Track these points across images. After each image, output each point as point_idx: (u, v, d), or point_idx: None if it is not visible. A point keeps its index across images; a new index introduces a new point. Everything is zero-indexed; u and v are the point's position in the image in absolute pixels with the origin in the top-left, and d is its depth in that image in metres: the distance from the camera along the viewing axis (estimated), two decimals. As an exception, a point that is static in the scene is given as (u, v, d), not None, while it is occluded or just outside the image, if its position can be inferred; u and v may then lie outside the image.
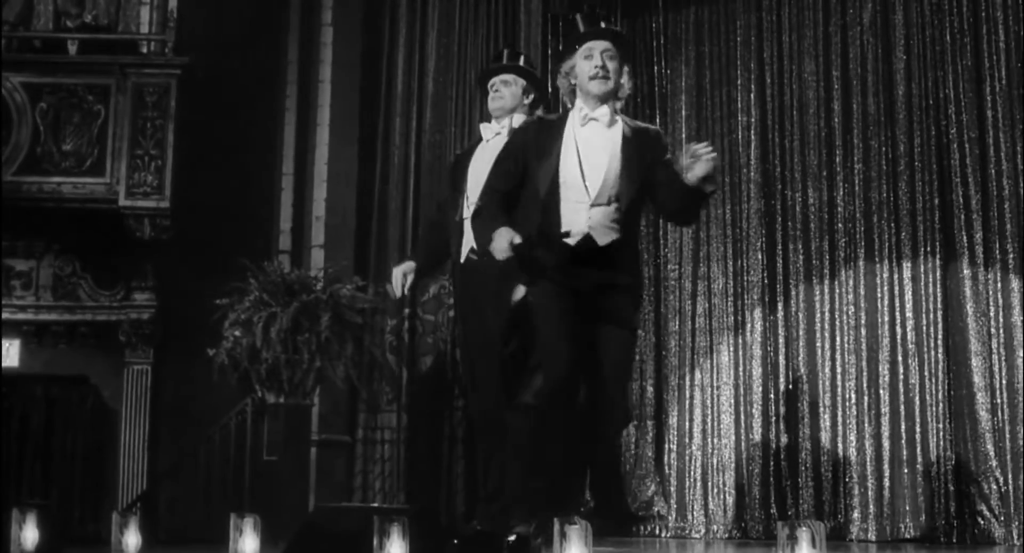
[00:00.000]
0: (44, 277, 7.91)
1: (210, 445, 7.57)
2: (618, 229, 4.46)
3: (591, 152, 4.49)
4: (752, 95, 7.88)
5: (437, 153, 8.12)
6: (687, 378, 7.82)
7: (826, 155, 7.59)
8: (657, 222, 7.89)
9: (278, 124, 8.45)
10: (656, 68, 8.31)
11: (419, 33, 8.42)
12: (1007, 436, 6.87)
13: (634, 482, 7.81)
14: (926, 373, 7.15)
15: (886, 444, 7.16)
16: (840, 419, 7.30)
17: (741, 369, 7.59)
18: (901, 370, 7.17)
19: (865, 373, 7.27)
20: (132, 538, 4.61)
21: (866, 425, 7.19)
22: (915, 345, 7.21)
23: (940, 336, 7.15)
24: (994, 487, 6.84)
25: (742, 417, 7.56)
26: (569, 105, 4.71)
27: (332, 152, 8.33)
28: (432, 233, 5.50)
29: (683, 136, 8.09)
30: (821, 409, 7.36)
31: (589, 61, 4.63)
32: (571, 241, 4.43)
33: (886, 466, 7.14)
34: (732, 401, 7.60)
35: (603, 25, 4.74)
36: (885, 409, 7.19)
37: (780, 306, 7.59)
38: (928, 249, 7.25)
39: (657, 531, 7.61)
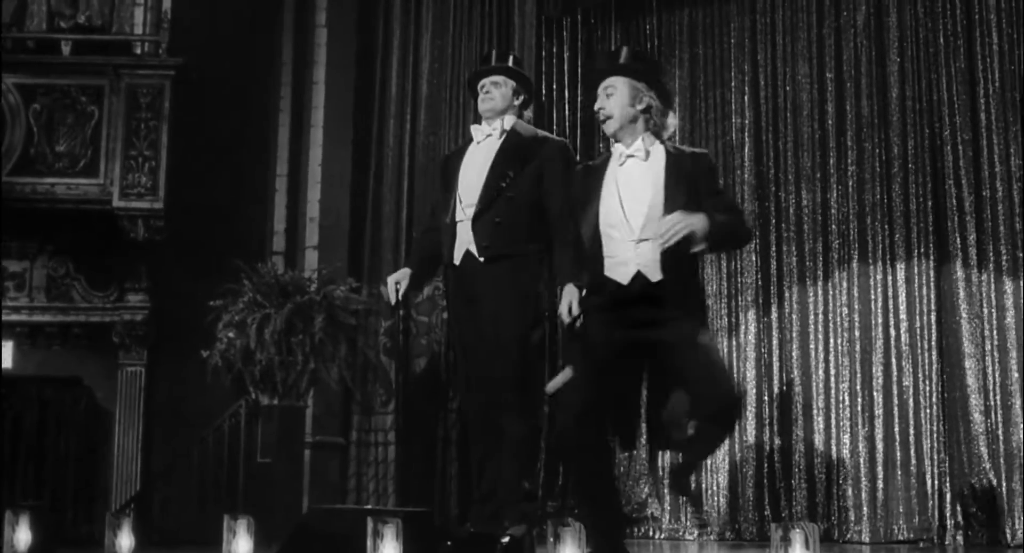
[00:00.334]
0: (37, 278, 7.89)
1: (203, 447, 7.56)
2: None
3: (631, 189, 4.33)
4: (746, 97, 7.89)
5: (431, 155, 8.12)
6: (679, 380, 7.82)
7: (820, 157, 7.60)
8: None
9: (272, 125, 8.45)
10: (650, 70, 8.32)
11: (413, 35, 8.42)
12: (1000, 438, 6.88)
13: (628, 484, 7.82)
14: (920, 375, 7.16)
15: (879, 446, 7.17)
16: (834, 421, 7.31)
17: (735, 371, 7.58)
18: (895, 372, 7.18)
19: (859, 375, 7.27)
20: (125, 539, 4.61)
21: (860, 427, 7.20)
22: (908, 347, 7.22)
23: (933, 338, 7.16)
24: (987, 488, 6.85)
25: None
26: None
27: (326, 153, 8.33)
28: (426, 238, 5.49)
29: (676, 138, 8.08)
30: (815, 411, 7.37)
31: None
32: (624, 280, 4.28)
33: (879, 468, 7.15)
34: (726, 403, 7.60)
35: (623, 59, 4.53)
36: (879, 411, 7.20)
37: (774, 308, 7.60)
38: (921, 251, 7.26)
39: (651, 533, 7.61)
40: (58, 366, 7.87)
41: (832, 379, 7.35)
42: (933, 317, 7.18)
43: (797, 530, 3.26)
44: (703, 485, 7.59)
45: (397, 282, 5.32)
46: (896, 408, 7.15)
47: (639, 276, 4.26)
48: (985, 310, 7.05)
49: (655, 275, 4.24)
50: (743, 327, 7.65)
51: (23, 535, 4.69)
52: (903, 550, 6.81)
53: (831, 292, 7.41)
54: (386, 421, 7.98)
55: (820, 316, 7.46)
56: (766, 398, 7.52)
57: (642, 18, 8.39)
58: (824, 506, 7.23)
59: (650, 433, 4.46)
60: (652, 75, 4.50)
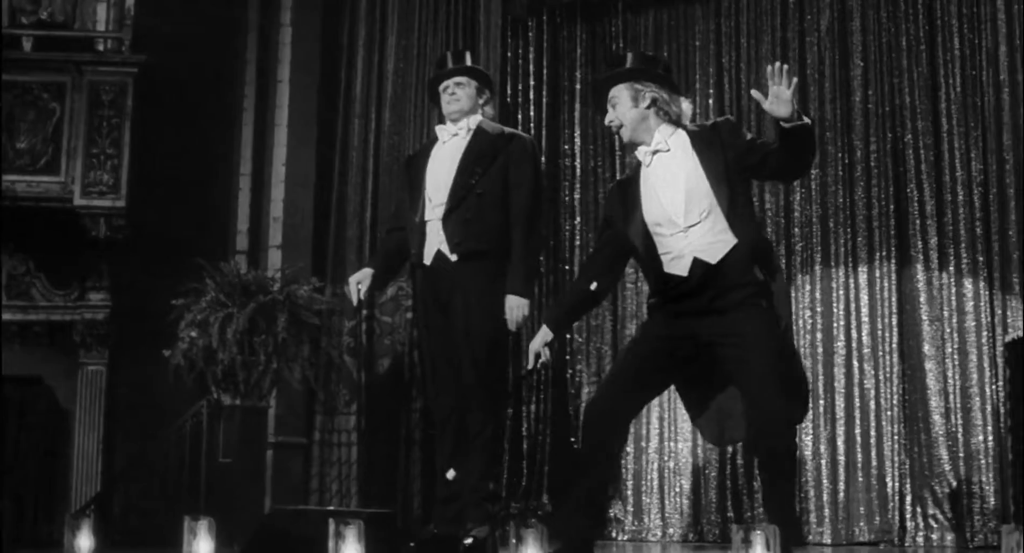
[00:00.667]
0: (-3, 276, 7.82)
1: (165, 447, 7.52)
2: (726, 238, 4.20)
3: (665, 181, 4.30)
4: (710, 100, 7.92)
5: (395, 155, 8.10)
6: (644, 381, 7.84)
7: (783, 160, 7.63)
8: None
9: (236, 124, 8.41)
10: (615, 72, 8.35)
11: (378, 34, 8.40)
12: (960, 440, 6.94)
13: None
14: (881, 377, 7.21)
15: (841, 447, 7.22)
16: (795, 423, 7.33)
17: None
18: (856, 374, 7.23)
19: (820, 377, 7.31)
20: (85, 540, 4.56)
21: (821, 429, 7.24)
22: (870, 349, 7.27)
23: (895, 340, 7.21)
24: (947, 491, 6.91)
25: (699, 420, 7.58)
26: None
27: (290, 153, 8.29)
28: (390, 238, 5.48)
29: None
30: (777, 413, 7.39)
31: None
32: (683, 272, 4.23)
33: (841, 470, 7.19)
34: (689, 404, 7.62)
35: (613, 68, 4.54)
36: (840, 413, 7.24)
37: (737, 310, 7.61)
38: (883, 254, 7.31)
39: (613, 534, 7.62)
40: (18, 365, 7.78)
41: (794, 381, 7.38)
42: (894, 319, 7.23)
43: (758, 532, 3.27)
44: (666, 487, 7.62)
45: (359, 282, 5.31)
46: (857, 410, 7.20)
47: (697, 263, 4.21)
48: (946, 313, 7.10)
49: (713, 257, 4.20)
50: (706, 329, 7.66)
51: (-19, 536, 4.65)
52: (864, 551, 6.86)
53: (794, 294, 7.43)
54: (349, 421, 7.96)
55: (783, 318, 7.49)
56: (729, 400, 7.54)
57: (607, 20, 8.41)
58: (786, 507, 7.25)
59: (703, 428, 4.47)
60: (647, 70, 4.46)
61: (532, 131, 8.21)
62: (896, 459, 7.10)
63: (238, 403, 6.95)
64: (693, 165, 4.29)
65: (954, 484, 6.90)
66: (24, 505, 7.68)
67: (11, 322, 7.76)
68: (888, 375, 7.20)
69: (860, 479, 7.14)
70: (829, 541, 7.08)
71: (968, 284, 7.07)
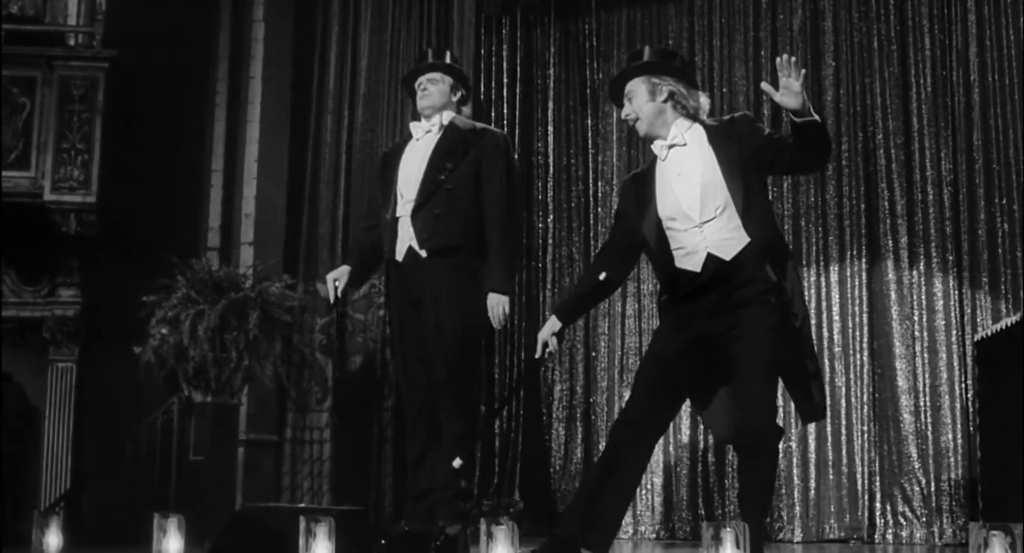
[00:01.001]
0: (-35, 272, 7.75)
1: (135, 444, 7.48)
2: (739, 235, 4.17)
3: (681, 176, 4.26)
4: (684, 98, 7.93)
5: (368, 152, 8.09)
6: (616, 379, 7.87)
7: (755, 159, 7.66)
8: (576, 226, 7.94)
9: (208, 120, 8.37)
10: (588, 70, 8.38)
11: (351, 31, 8.38)
12: (930, 438, 6.99)
13: (563, 483, 7.84)
14: (851, 376, 7.25)
15: (812, 445, 7.25)
16: (767, 420, 7.36)
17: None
18: (827, 372, 7.26)
19: (792, 375, 7.33)
20: (53, 538, 4.54)
21: (792, 427, 7.26)
22: (841, 348, 7.31)
23: (865, 338, 7.25)
24: (916, 489, 6.95)
25: (670, 418, 7.60)
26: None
27: (262, 149, 8.26)
28: (366, 236, 5.47)
29: (615, 137, 8.15)
30: (748, 411, 7.42)
31: None
32: (696, 268, 4.20)
33: (812, 468, 7.23)
34: (661, 402, 7.64)
35: (629, 62, 4.48)
36: (811, 411, 7.26)
37: (709, 308, 7.64)
38: (854, 253, 7.35)
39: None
40: (-14, 361, 7.74)
41: (765, 379, 7.40)
42: (865, 318, 7.27)
43: (728, 529, 3.27)
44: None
45: (336, 280, 5.29)
46: (828, 408, 7.23)
47: (711, 259, 4.18)
48: (916, 311, 7.15)
49: (728, 253, 4.17)
50: (678, 327, 7.68)
51: (-52, 533, 4.61)
52: (834, 549, 6.90)
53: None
54: (321, 419, 7.94)
55: (754, 316, 7.51)
56: (700, 397, 7.56)
57: (581, 18, 8.43)
58: (757, 505, 7.28)
59: (713, 425, 4.42)
60: (663, 64, 4.42)
61: (505, 128, 8.22)
62: (866, 457, 7.14)
63: (209, 400, 6.92)
64: (709, 160, 4.26)
65: (923, 481, 6.94)
66: (-8, 502, 7.63)
67: (-21, 318, 7.71)
68: (858, 373, 7.25)
69: (831, 476, 7.18)
70: (800, 538, 7.12)
71: (938, 283, 7.12)
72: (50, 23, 7.74)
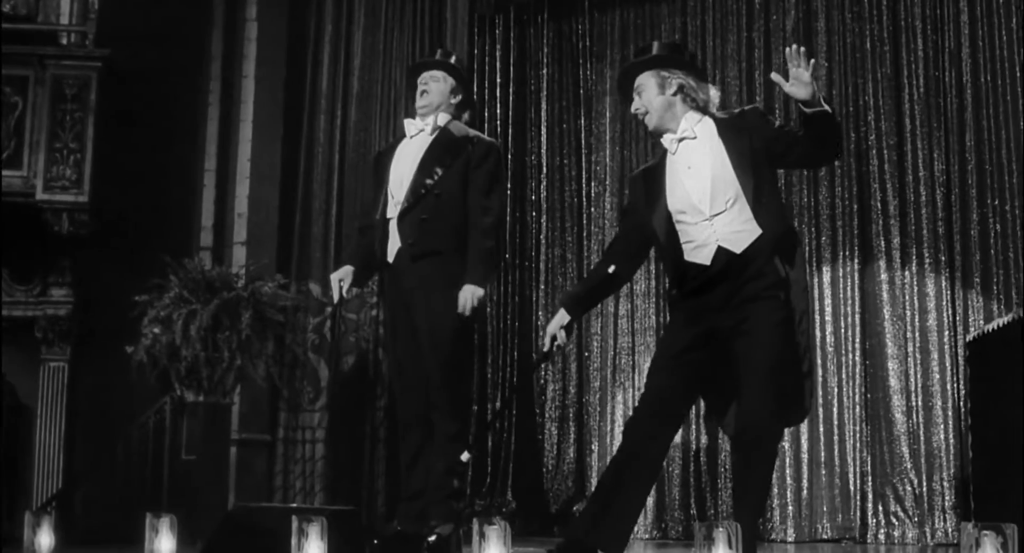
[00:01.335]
0: (-42, 272, 7.73)
1: (128, 444, 7.46)
2: (751, 228, 4.15)
3: (691, 170, 4.24)
4: (676, 98, 7.93)
5: (361, 151, 8.09)
6: (609, 379, 7.88)
7: (748, 159, 7.66)
8: (565, 223, 7.94)
9: (201, 119, 8.36)
10: (581, 70, 8.38)
11: (345, 30, 8.38)
12: (922, 438, 7.00)
13: (556, 482, 7.84)
14: (844, 376, 7.26)
15: (805, 445, 7.26)
16: (759, 420, 7.36)
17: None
18: (820, 372, 7.26)
19: (784, 375, 7.33)
20: (45, 538, 4.53)
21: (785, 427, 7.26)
22: (833, 348, 7.31)
23: (858, 339, 7.26)
24: (908, 489, 6.96)
25: (663, 418, 7.60)
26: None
27: (255, 149, 8.25)
28: (364, 236, 5.46)
29: (607, 137, 8.16)
30: (740, 410, 7.42)
31: None
32: (706, 261, 4.18)
33: (804, 467, 7.24)
34: (653, 402, 7.64)
35: (637, 57, 4.48)
36: (803, 411, 7.27)
37: (701, 308, 7.64)
38: (846, 253, 7.36)
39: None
40: (-22, 361, 7.72)
41: (758, 379, 7.41)
42: (857, 318, 7.28)
43: (721, 529, 3.28)
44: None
45: (341, 280, 5.27)
46: (821, 408, 7.24)
47: (721, 252, 4.16)
48: (908, 312, 7.16)
49: (738, 246, 4.15)
50: (671, 327, 7.69)
51: (-60, 533, 4.61)
52: (827, 549, 6.90)
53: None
54: (314, 418, 7.93)
55: (747, 317, 7.52)
56: (693, 397, 7.56)
57: (574, 18, 8.43)
58: (749, 505, 7.28)
59: (723, 423, 4.37)
60: (673, 57, 4.42)
61: (499, 128, 8.22)
62: (858, 457, 7.15)
63: (201, 400, 6.91)
64: (720, 153, 4.24)
65: (915, 481, 6.95)
66: (-16, 502, 7.61)
67: (-29, 318, 7.70)
68: (851, 373, 7.25)
69: (823, 476, 7.19)
70: (793, 538, 7.12)
71: (930, 283, 7.13)
72: (43, 22, 7.73)
